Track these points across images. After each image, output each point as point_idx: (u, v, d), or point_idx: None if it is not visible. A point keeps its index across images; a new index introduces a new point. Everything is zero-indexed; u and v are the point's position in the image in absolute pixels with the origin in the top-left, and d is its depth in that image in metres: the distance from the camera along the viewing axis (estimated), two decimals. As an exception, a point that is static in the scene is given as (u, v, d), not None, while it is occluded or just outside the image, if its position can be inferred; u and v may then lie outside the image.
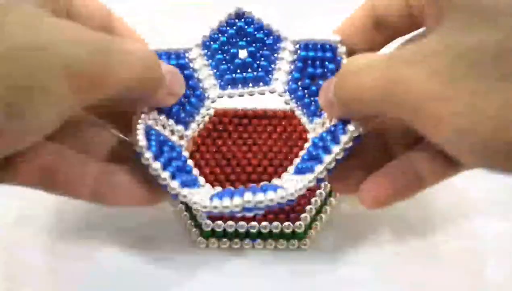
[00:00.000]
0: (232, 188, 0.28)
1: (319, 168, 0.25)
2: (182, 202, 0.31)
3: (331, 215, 0.31)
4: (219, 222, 0.30)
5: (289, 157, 0.31)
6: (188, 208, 0.31)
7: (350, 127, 0.25)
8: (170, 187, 0.25)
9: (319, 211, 0.31)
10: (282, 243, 0.30)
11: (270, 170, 0.31)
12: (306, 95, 0.30)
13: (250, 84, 0.31)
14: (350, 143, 0.25)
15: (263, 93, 0.31)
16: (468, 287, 0.29)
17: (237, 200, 0.24)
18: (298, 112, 0.30)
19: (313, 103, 0.30)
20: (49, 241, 0.30)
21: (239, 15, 0.30)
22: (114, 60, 0.23)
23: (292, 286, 0.29)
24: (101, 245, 0.30)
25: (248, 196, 0.24)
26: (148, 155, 0.25)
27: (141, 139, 0.25)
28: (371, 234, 0.31)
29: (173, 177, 0.25)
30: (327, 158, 0.25)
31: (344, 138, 0.25)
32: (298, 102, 0.30)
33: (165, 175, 0.25)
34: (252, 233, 0.30)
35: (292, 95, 0.30)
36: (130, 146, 0.27)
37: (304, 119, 0.30)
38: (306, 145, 0.29)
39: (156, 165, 0.24)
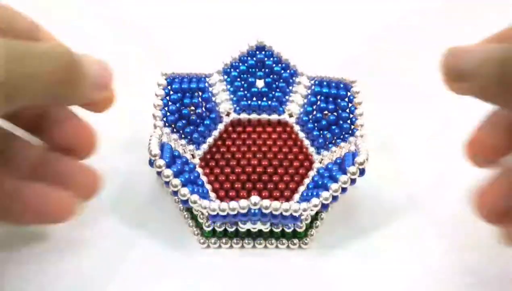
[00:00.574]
0: None
1: (325, 194, 0.26)
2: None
3: (332, 213, 0.31)
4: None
5: (289, 157, 0.32)
6: (188, 208, 0.32)
7: (359, 159, 0.27)
8: (180, 194, 0.26)
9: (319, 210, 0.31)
10: (283, 242, 0.30)
11: (270, 170, 0.31)
12: (316, 128, 0.32)
13: (264, 112, 0.33)
14: (358, 175, 0.27)
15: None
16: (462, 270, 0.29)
17: (244, 202, 0.26)
18: (306, 142, 0.32)
19: (321, 136, 0.32)
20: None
21: (260, 48, 0.32)
22: (29, 65, 0.21)
23: (293, 285, 0.29)
24: (99, 244, 0.30)
25: (255, 198, 0.26)
26: (160, 162, 0.26)
27: (154, 149, 0.26)
28: (372, 233, 0.31)
29: (183, 185, 0.26)
30: (334, 186, 0.26)
31: (352, 169, 0.27)
32: (308, 134, 0.32)
33: (176, 182, 0.26)
34: (253, 233, 0.30)
35: (303, 127, 0.32)
36: (53, 159, 0.27)
37: (311, 149, 0.32)
38: (311, 173, 0.31)
39: (168, 172, 0.26)
